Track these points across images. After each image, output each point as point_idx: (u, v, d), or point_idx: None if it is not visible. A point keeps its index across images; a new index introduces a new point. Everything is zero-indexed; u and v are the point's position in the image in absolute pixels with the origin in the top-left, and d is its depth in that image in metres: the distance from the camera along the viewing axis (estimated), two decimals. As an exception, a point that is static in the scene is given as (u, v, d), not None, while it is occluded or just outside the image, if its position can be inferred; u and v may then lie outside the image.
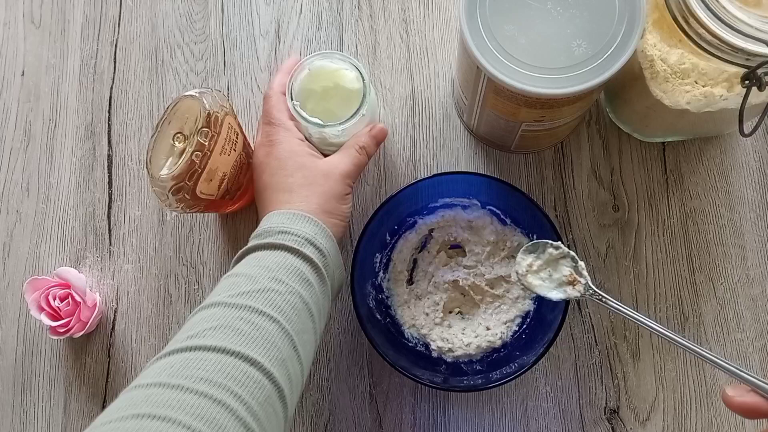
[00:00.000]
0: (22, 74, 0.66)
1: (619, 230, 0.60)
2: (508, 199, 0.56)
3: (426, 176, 0.56)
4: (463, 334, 0.58)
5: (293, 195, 0.50)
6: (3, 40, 0.67)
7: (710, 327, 0.58)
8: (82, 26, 0.67)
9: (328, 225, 0.49)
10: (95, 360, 0.60)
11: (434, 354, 0.58)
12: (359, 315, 0.53)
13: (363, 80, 0.52)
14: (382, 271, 0.60)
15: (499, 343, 0.57)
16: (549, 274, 0.51)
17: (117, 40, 0.67)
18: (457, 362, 0.57)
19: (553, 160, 0.62)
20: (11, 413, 0.60)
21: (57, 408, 0.60)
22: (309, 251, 0.46)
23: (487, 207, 0.58)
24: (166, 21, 0.67)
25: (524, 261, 0.51)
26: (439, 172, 0.60)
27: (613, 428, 0.57)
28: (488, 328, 0.58)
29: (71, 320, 0.57)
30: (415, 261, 0.61)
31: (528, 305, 0.58)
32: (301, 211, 0.48)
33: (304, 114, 0.52)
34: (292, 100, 0.52)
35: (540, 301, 0.58)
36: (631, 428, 0.57)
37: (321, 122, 0.52)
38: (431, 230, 0.60)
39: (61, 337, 0.58)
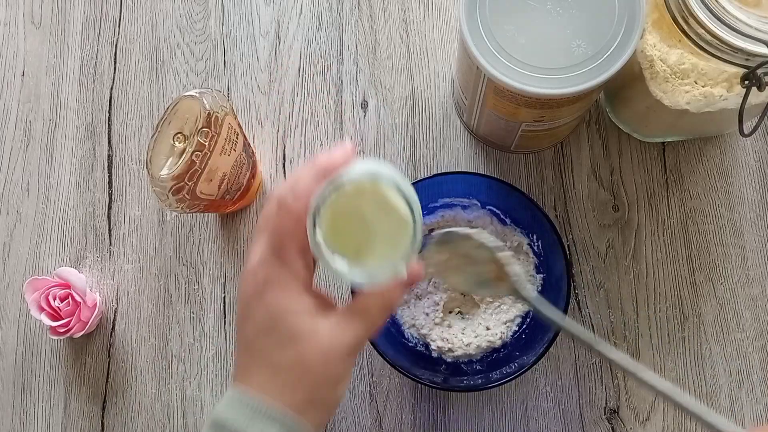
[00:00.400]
0: (22, 74, 0.67)
1: (619, 230, 0.60)
2: (508, 199, 0.56)
3: (426, 176, 0.56)
4: (462, 334, 0.58)
5: (278, 377, 0.37)
6: (3, 40, 0.67)
7: (710, 327, 0.58)
8: (82, 26, 0.67)
9: (311, 422, 0.37)
10: (95, 360, 0.61)
11: (434, 354, 0.58)
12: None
13: (413, 214, 0.37)
14: None
15: (499, 343, 0.57)
16: (472, 269, 0.44)
17: (117, 41, 0.67)
18: (457, 362, 0.57)
19: (553, 160, 0.62)
20: (11, 413, 0.60)
21: (57, 408, 0.60)
22: None
23: (487, 207, 0.58)
24: (166, 21, 0.67)
25: (437, 256, 0.43)
26: (439, 172, 0.59)
27: (613, 428, 0.57)
28: (488, 328, 0.58)
29: (71, 320, 0.57)
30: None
31: (527, 305, 0.58)
32: (276, 406, 0.36)
33: (329, 258, 0.36)
34: (314, 227, 0.36)
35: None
36: (631, 428, 0.57)
37: (349, 272, 0.36)
38: (431, 230, 0.60)
39: (61, 337, 0.58)
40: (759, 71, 0.43)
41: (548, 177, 0.61)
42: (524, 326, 0.58)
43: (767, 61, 0.43)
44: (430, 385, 0.53)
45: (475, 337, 0.57)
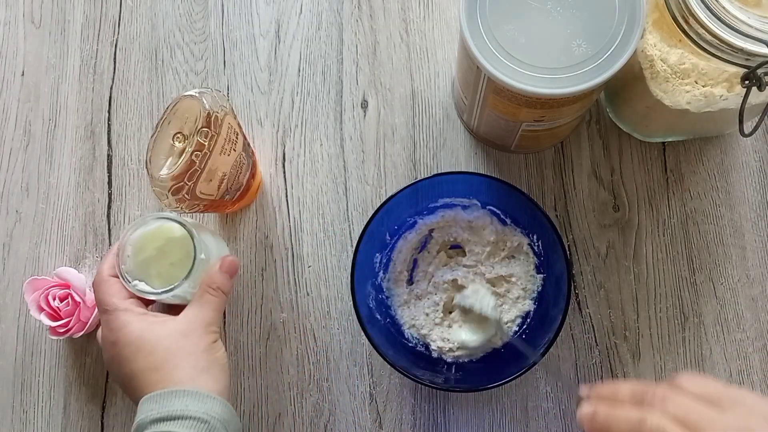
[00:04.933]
0: (22, 74, 0.66)
1: (619, 230, 0.60)
2: (509, 199, 0.56)
3: (426, 176, 0.56)
4: (463, 333, 0.58)
5: (161, 371, 0.47)
6: (3, 40, 0.67)
7: (710, 327, 0.58)
8: (82, 26, 0.67)
9: (209, 382, 0.47)
10: (95, 360, 0.60)
11: (434, 354, 0.57)
12: (359, 315, 0.53)
13: (185, 227, 0.51)
14: (382, 272, 0.59)
15: (499, 343, 0.57)
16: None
17: (117, 40, 0.67)
18: (457, 362, 0.57)
19: (553, 160, 0.62)
20: (11, 413, 0.60)
21: (57, 408, 0.60)
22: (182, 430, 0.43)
23: (487, 207, 0.58)
24: (166, 21, 0.67)
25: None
26: (439, 172, 0.59)
27: (613, 428, 0.57)
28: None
29: (71, 320, 0.57)
30: (415, 261, 0.60)
31: (528, 305, 0.58)
32: (174, 387, 0.46)
33: (150, 290, 0.51)
34: (129, 282, 0.51)
35: (540, 301, 0.58)
36: (631, 428, 0.57)
37: (169, 287, 0.51)
38: (431, 230, 0.60)
39: (61, 337, 0.58)
40: (759, 71, 0.43)
41: (548, 177, 0.61)
42: (524, 326, 0.58)
43: (767, 61, 0.43)
44: (430, 386, 0.53)
45: (475, 337, 0.57)
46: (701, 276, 0.59)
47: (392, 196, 0.55)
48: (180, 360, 0.47)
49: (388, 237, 0.59)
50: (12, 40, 0.67)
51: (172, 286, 0.51)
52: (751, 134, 0.47)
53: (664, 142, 0.61)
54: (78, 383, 0.60)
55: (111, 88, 0.66)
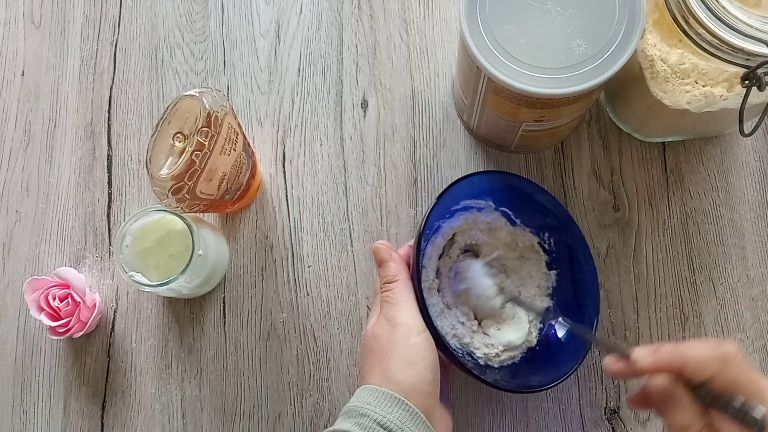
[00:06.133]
0: (22, 74, 0.66)
1: (619, 230, 0.60)
2: (515, 197, 0.55)
3: (453, 181, 0.52)
4: (501, 334, 0.56)
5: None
6: (3, 40, 0.67)
7: (710, 327, 0.58)
8: (82, 26, 0.67)
9: (410, 397, 0.44)
10: (95, 360, 0.60)
11: (481, 362, 0.55)
12: (436, 331, 0.48)
13: (185, 221, 0.53)
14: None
15: (534, 341, 0.56)
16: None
17: (117, 40, 0.67)
18: (503, 366, 0.55)
19: (553, 160, 0.62)
20: (11, 413, 0.60)
21: (57, 408, 0.60)
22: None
23: (500, 209, 0.57)
24: (166, 21, 0.67)
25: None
26: (465, 174, 0.54)
27: (613, 428, 0.57)
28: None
29: (71, 320, 0.57)
30: (437, 268, 0.58)
31: (546, 302, 0.57)
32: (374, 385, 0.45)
33: (146, 281, 0.52)
34: (126, 273, 0.52)
35: (557, 296, 0.57)
36: (631, 428, 0.57)
37: (165, 280, 0.52)
38: (454, 234, 0.58)
39: (61, 337, 0.58)
40: (759, 71, 0.43)
41: (548, 177, 0.61)
42: (548, 323, 0.57)
43: (767, 61, 0.43)
44: (502, 388, 0.50)
45: (519, 333, 0.56)
46: (701, 276, 0.59)
47: (443, 193, 0.51)
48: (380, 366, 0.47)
49: (423, 242, 0.55)
50: (12, 40, 0.67)
51: (168, 280, 0.51)
52: (751, 134, 0.47)
53: (664, 142, 0.61)
54: (78, 383, 0.60)
55: (111, 88, 0.66)
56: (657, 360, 0.38)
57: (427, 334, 0.47)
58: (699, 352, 0.37)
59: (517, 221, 0.58)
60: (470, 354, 0.55)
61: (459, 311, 0.56)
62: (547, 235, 0.57)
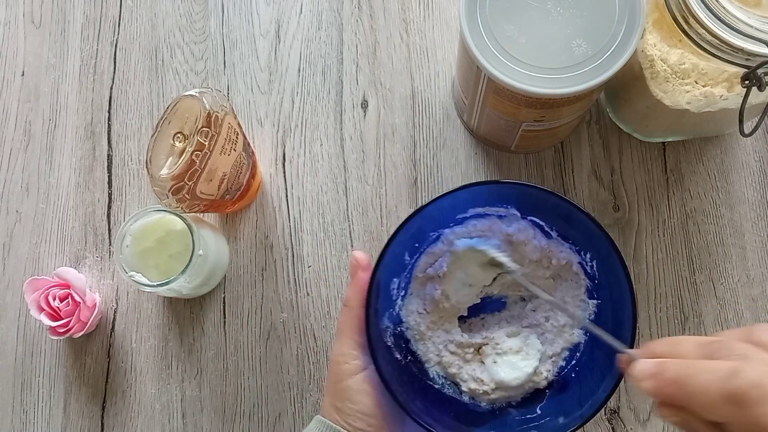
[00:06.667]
0: (22, 74, 0.66)
1: (619, 230, 0.60)
2: (547, 208, 0.47)
3: (451, 189, 0.45)
4: (499, 369, 0.47)
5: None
6: (3, 40, 0.67)
7: (710, 327, 0.58)
8: (82, 26, 0.67)
9: (343, 425, 0.42)
10: (95, 360, 0.60)
11: (465, 398, 0.48)
12: (381, 374, 0.42)
13: (185, 222, 0.53)
14: (400, 299, 0.50)
15: (544, 383, 0.47)
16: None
17: (117, 40, 0.67)
18: (494, 408, 0.47)
19: (553, 160, 0.62)
20: (11, 413, 0.60)
21: (57, 408, 0.60)
22: None
23: (529, 218, 0.49)
24: (166, 21, 0.67)
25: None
26: (469, 183, 0.47)
27: (613, 428, 0.57)
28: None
29: (71, 320, 0.57)
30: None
31: (578, 336, 0.49)
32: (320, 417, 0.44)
33: (146, 282, 0.52)
34: (126, 273, 0.52)
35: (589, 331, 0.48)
36: (631, 428, 0.57)
37: (165, 280, 0.52)
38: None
39: (61, 337, 0.58)
40: (759, 71, 0.43)
41: (548, 177, 0.61)
42: (573, 361, 0.48)
43: (767, 61, 0.42)
44: None
45: (517, 373, 0.47)
46: (701, 276, 0.59)
47: (411, 216, 0.44)
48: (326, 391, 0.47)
49: (407, 257, 0.49)
50: (12, 40, 0.67)
51: (168, 280, 0.52)
52: (751, 134, 0.47)
53: (664, 142, 0.61)
54: (78, 383, 0.60)
55: (111, 88, 0.66)
56: (658, 388, 0.31)
57: (365, 374, 0.43)
58: (705, 385, 0.29)
59: (553, 233, 0.49)
60: (457, 385, 0.48)
61: (453, 334, 0.49)
62: (589, 256, 0.48)
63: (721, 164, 0.61)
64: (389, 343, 0.48)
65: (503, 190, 0.48)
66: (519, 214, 0.49)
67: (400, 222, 0.44)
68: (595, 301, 0.49)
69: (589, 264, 0.48)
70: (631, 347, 0.41)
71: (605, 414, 0.57)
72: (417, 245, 0.50)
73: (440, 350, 0.49)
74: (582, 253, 0.48)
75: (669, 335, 0.58)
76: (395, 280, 0.49)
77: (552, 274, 0.50)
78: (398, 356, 0.48)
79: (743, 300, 0.58)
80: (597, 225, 0.44)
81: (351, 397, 0.43)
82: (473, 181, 0.60)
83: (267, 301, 0.60)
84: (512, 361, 0.47)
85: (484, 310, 0.52)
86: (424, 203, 0.45)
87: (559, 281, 0.50)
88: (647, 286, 0.59)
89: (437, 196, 0.45)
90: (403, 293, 0.51)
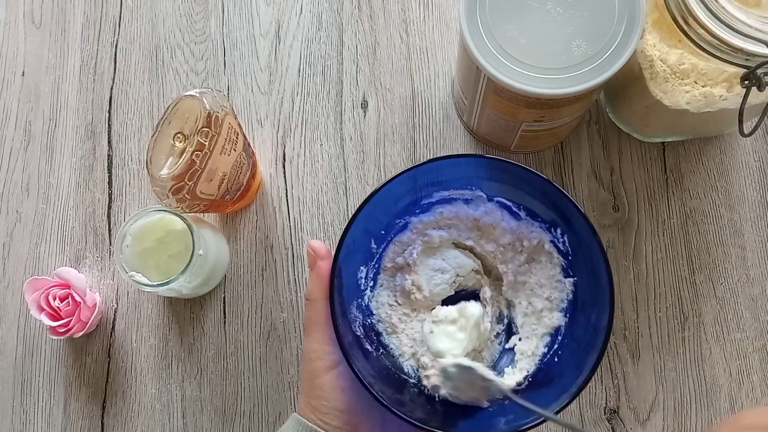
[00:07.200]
0: (22, 74, 0.66)
1: (619, 230, 0.60)
2: (517, 186, 0.46)
3: (410, 166, 0.45)
4: (436, 340, 0.45)
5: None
6: (3, 40, 0.67)
7: (710, 327, 0.58)
8: (82, 26, 0.67)
9: (317, 422, 0.42)
10: (95, 360, 0.60)
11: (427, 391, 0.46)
12: (353, 367, 0.41)
13: (185, 221, 0.53)
14: (369, 289, 0.50)
15: (485, 403, 0.45)
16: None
17: (117, 41, 0.67)
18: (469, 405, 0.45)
19: (553, 160, 0.62)
20: (11, 413, 0.60)
21: (57, 408, 0.60)
22: None
23: (495, 199, 0.49)
24: (167, 21, 0.67)
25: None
26: (431, 158, 0.47)
27: (613, 428, 0.57)
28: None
29: (71, 320, 0.57)
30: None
31: (557, 319, 0.48)
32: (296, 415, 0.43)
33: (146, 281, 0.52)
34: (126, 273, 0.53)
35: (573, 312, 0.48)
36: (631, 428, 0.57)
37: (165, 280, 0.52)
38: (426, 231, 0.51)
39: (61, 337, 0.58)
40: (759, 71, 0.43)
41: (548, 177, 0.61)
42: (555, 346, 0.48)
43: (767, 61, 0.43)
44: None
45: (452, 344, 0.45)
46: (701, 276, 0.59)
47: (370, 196, 0.43)
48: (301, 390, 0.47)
49: (373, 245, 0.49)
50: (12, 40, 0.67)
51: (168, 280, 0.52)
52: (750, 134, 0.47)
53: (663, 142, 0.61)
54: (78, 383, 0.60)
55: (111, 88, 0.66)
56: None
57: (339, 370, 0.43)
58: None
59: (522, 214, 0.48)
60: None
61: (425, 324, 0.47)
62: (559, 231, 0.47)
63: (721, 164, 0.61)
64: (359, 333, 0.46)
65: (461, 165, 0.47)
66: (485, 196, 0.48)
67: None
68: (571, 279, 0.47)
69: (561, 239, 0.47)
70: (611, 316, 0.41)
71: (605, 414, 0.57)
72: (383, 232, 0.49)
73: (414, 343, 0.49)
74: (552, 230, 0.47)
75: (668, 335, 0.58)
76: (362, 268, 0.49)
77: (527, 258, 0.50)
78: (369, 347, 0.47)
79: (743, 300, 0.59)
80: (554, 187, 0.44)
81: (326, 395, 0.42)
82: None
83: (267, 301, 0.60)
84: (448, 330, 0.45)
85: (459, 302, 0.49)
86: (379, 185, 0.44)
87: (533, 264, 0.50)
88: (647, 285, 0.59)
89: (392, 176, 0.44)
90: (372, 284, 0.51)
